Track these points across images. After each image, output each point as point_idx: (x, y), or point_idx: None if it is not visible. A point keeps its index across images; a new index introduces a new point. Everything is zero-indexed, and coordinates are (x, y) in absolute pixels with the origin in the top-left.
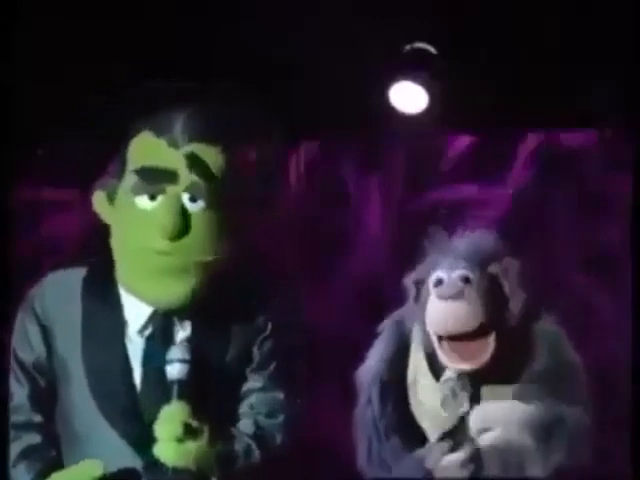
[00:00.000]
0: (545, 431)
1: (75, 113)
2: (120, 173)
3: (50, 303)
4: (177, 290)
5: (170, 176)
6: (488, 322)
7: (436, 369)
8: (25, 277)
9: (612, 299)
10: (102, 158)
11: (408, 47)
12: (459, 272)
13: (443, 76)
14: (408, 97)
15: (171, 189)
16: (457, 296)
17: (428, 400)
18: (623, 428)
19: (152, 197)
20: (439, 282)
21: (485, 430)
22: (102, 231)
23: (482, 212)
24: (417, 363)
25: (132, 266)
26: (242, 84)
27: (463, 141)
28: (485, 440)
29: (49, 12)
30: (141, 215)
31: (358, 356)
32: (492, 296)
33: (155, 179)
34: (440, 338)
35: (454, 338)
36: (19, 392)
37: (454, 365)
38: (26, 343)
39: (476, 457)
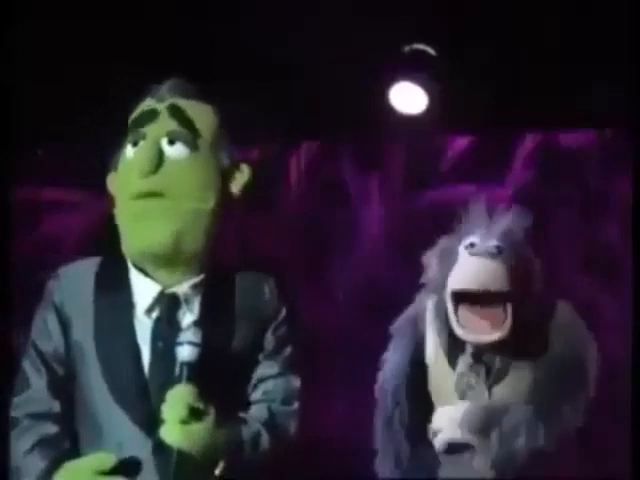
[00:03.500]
0: (482, 425)
1: (75, 113)
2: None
3: (66, 293)
4: (155, 233)
5: (151, 116)
6: (513, 293)
7: (453, 353)
8: (25, 277)
9: (612, 299)
10: (102, 158)
11: (407, 48)
12: (494, 242)
13: (442, 77)
14: (408, 98)
15: (151, 133)
16: (492, 256)
17: (443, 389)
18: (623, 428)
19: (134, 144)
20: (471, 245)
21: (436, 433)
22: (99, 228)
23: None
24: (434, 347)
25: (123, 218)
26: (242, 84)
27: (462, 141)
28: (436, 443)
29: (49, 12)
30: (126, 164)
31: (358, 355)
32: (519, 273)
33: (138, 124)
34: (458, 302)
35: (474, 301)
36: (38, 382)
37: (469, 336)
38: (45, 334)
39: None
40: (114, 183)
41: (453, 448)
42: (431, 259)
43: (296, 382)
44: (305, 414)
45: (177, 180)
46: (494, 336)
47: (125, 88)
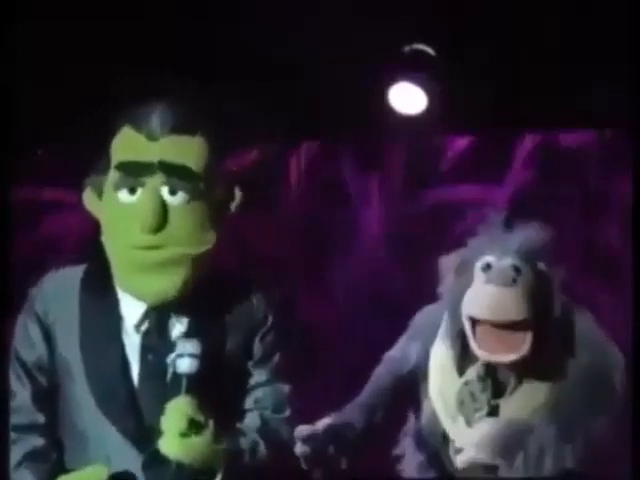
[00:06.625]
0: (507, 447)
1: (75, 113)
2: (105, 169)
3: (50, 302)
4: (162, 285)
5: (148, 169)
6: (531, 317)
7: (462, 364)
8: (25, 277)
9: (612, 299)
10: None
11: (407, 48)
12: (510, 261)
13: (442, 77)
14: (407, 98)
15: (150, 182)
16: (509, 283)
17: (448, 397)
18: (623, 428)
19: (132, 190)
20: (488, 267)
21: (458, 452)
22: (98, 229)
23: (481, 212)
24: (442, 356)
25: (119, 262)
26: (242, 84)
27: (462, 141)
28: (457, 462)
29: (49, 12)
30: (122, 210)
31: (358, 354)
32: (538, 292)
33: (134, 172)
34: (475, 324)
35: (494, 325)
36: (22, 393)
37: (487, 356)
38: (27, 343)
39: None
40: (98, 208)
41: (475, 468)
42: (446, 270)
43: (285, 389)
44: (304, 417)
45: (181, 230)
46: (511, 357)
47: (125, 88)
